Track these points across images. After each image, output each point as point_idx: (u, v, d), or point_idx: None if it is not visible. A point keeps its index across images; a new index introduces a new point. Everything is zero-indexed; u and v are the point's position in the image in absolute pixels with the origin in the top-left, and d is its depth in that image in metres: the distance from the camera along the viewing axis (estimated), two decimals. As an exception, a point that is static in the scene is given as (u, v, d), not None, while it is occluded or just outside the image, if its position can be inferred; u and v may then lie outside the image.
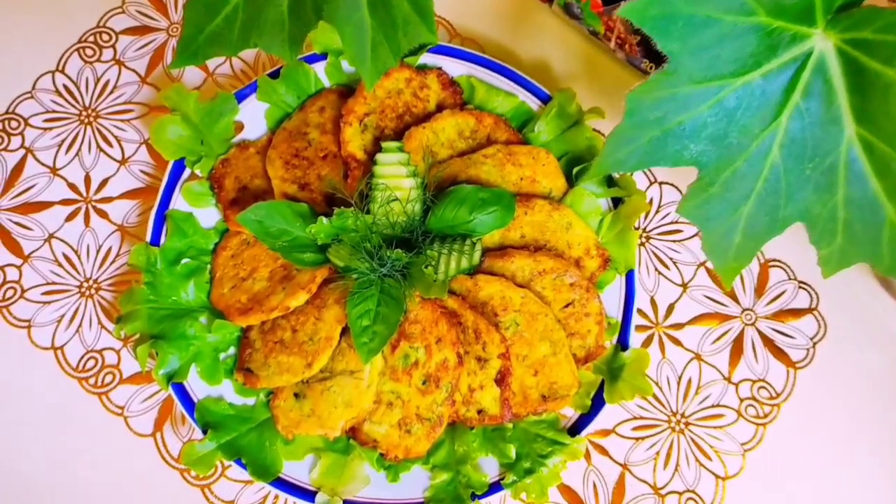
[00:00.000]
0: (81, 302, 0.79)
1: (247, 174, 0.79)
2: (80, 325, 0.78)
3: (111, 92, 0.87)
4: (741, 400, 0.77)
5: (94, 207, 0.83)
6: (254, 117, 0.81)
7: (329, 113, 0.81)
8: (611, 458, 0.76)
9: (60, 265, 0.81)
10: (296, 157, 0.79)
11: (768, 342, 0.78)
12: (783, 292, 0.80)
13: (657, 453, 0.76)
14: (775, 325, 0.79)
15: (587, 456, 0.75)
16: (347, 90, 0.82)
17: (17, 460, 0.74)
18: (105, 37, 0.89)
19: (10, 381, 0.77)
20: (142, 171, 0.85)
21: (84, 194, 0.83)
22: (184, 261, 0.76)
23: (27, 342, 0.78)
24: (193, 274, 0.76)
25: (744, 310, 0.79)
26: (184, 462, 0.69)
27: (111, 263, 0.81)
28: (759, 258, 0.81)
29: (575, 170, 0.78)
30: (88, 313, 0.79)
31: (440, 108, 0.81)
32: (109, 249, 0.81)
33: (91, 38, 0.89)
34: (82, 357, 0.78)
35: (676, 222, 0.82)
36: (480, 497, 0.70)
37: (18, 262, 0.80)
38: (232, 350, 0.75)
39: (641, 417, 0.77)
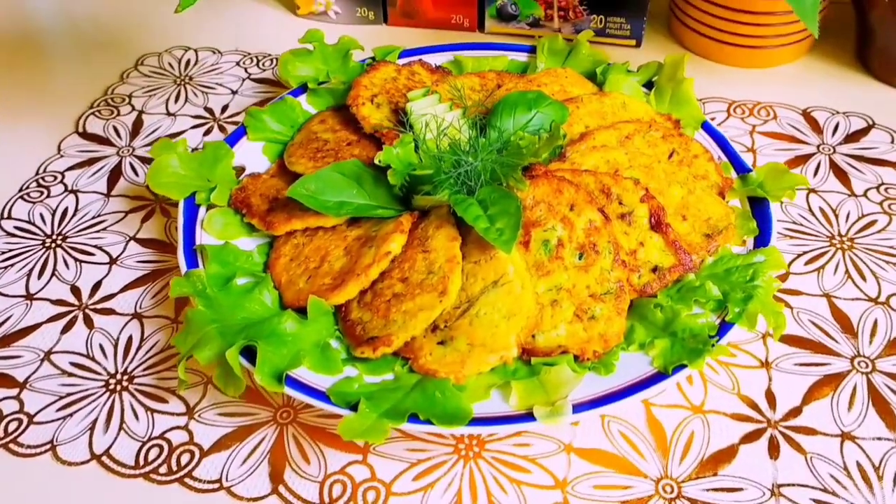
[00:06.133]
0: (115, 398, 0.59)
1: (271, 191, 0.68)
2: (121, 422, 0.58)
3: (73, 215, 0.75)
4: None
5: (93, 310, 0.66)
6: (252, 157, 0.73)
7: (331, 121, 0.75)
8: None
9: (71, 375, 0.61)
10: (319, 153, 0.70)
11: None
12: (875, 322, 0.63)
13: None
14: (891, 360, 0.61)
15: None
16: (338, 108, 0.77)
17: None
18: (49, 178, 0.79)
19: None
20: (140, 262, 0.70)
21: (76, 302, 0.67)
22: (239, 281, 0.61)
23: (54, 464, 0.55)
24: (255, 288, 0.60)
25: (853, 358, 0.61)
26: (347, 437, 0.48)
27: (138, 350, 0.63)
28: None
29: (598, 70, 0.76)
30: (128, 406, 0.59)
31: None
32: (129, 338, 0.64)
33: (32, 185, 0.78)
34: (139, 450, 0.56)
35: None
36: (718, 336, 0.55)
37: (14, 391, 0.60)
38: (336, 344, 0.58)
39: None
